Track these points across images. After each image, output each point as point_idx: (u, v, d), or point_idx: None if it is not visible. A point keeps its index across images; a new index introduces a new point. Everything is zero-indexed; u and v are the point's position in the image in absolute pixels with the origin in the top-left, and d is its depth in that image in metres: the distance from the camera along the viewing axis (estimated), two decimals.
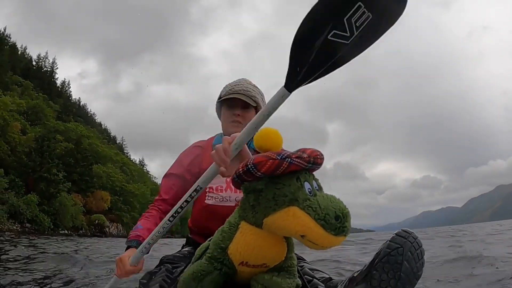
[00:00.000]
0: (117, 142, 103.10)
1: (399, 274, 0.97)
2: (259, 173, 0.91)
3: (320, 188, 0.94)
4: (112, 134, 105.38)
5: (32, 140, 39.14)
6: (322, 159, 0.96)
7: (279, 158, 0.89)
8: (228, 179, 1.54)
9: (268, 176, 0.92)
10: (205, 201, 1.60)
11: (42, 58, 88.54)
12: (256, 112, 1.69)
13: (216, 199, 1.59)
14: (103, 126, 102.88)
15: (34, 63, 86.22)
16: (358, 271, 1.09)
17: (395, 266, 0.98)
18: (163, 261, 1.46)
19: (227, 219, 1.05)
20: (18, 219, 31.72)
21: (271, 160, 0.89)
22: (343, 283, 1.15)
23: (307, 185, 0.90)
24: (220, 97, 1.77)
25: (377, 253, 1.04)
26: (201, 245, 1.10)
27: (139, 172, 79.62)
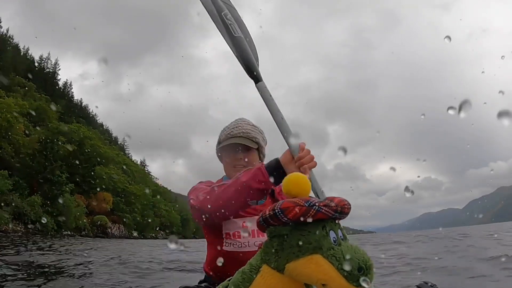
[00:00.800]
0: (119, 142, 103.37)
1: None
2: (286, 219, 0.90)
3: (345, 238, 0.94)
4: (114, 135, 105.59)
5: (35, 142, 39.49)
6: (350, 208, 0.96)
7: (306, 205, 0.89)
8: (245, 224, 1.58)
9: (294, 222, 0.92)
10: (223, 248, 1.58)
11: (44, 59, 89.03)
12: (259, 153, 1.74)
13: (235, 246, 1.57)
14: (104, 127, 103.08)
15: (36, 64, 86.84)
16: None
17: None
18: None
19: (248, 261, 1.04)
20: (22, 220, 32.08)
21: (298, 207, 0.89)
22: None
23: (332, 234, 0.91)
24: (219, 142, 1.77)
25: None
26: (220, 284, 1.09)
27: (140, 173, 79.90)
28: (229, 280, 1.06)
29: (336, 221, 0.96)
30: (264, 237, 1.39)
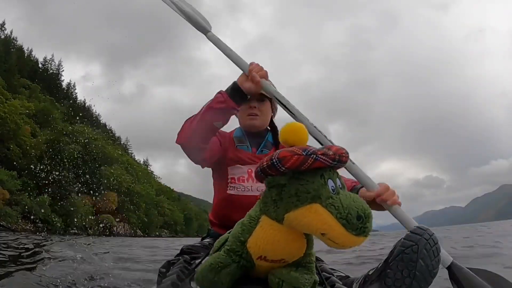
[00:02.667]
0: (122, 142, 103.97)
1: (414, 272, 0.95)
2: (283, 168, 0.89)
3: (343, 187, 0.93)
4: (117, 134, 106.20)
5: (43, 143, 40.37)
6: (347, 157, 0.95)
7: (304, 154, 0.87)
8: (250, 170, 1.61)
9: (292, 171, 0.90)
10: (227, 191, 1.59)
11: (48, 61, 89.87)
12: (271, 104, 1.79)
13: (239, 189, 1.58)
14: (107, 127, 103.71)
15: (40, 65, 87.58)
16: (373, 269, 1.08)
17: (410, 265, 0.96)
18: (183, 250, 1.47)
19: (247, 212, 1.04)
20: (31, 219, 32.97)
21: (296, 156, 0.87)
22: (358, 281, 1.13)
23: (330, 183, 0.89)
24: None
25: (391, 251, 1.02)
26: (220, 237, 1.10)
27: (143, 172, 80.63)
28: (229, 233, 1.06)
29: (335, 170, 0.95)
30: None
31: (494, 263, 3.90)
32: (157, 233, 56.81)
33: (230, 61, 1.46)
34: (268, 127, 1.82)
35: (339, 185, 0.91)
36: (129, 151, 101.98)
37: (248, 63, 1.41)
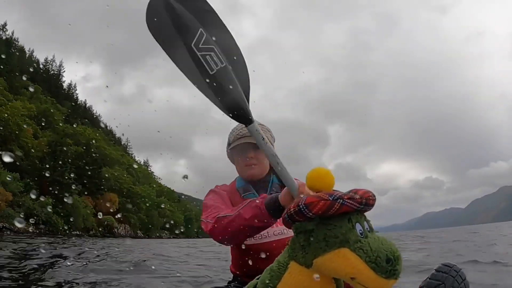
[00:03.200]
0: (122, 143, 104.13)
1: None
2: (311, 214, 0.90)
3: (371, 230, 0.93)
4: (117, 135, 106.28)
5: (45, 145, 40.66)
6: (374, 200, 0.95)
7: (331, 199, 0.88)
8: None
9: (319, 216, 0.91)
10: (244, 242, 1.56)
11: (49, 62, 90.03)
12: None
13: (256, 238, 1.56)
14: (108, 128, 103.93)
15: (41, 66, 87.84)
16: None
17: None
18: None
19: (276, 258, 1.03)
20: (33, 221, 33.27)
21: (323, 201, 0.88)
22: None
23: (358, 227, 0.90)
24: (229, 144, 1.78)
25: None
26: (249, 283, 1.09)
27: (144, 173, 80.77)
28: (258, 279, 1.06)
29: (362, 213, 0.95)
30: (282, 226, 1.46)
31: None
32: (157, 234, 57.00)
33: (277, 170, 1.21)
34: (271, 172, 1.78)
35: (367, 228, 0.92)
36: (130, 152, 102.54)
37: (296, 184, 1.18)
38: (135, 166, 77.40)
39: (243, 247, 1.56)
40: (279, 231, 1.57)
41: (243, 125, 1.62)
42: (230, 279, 1.74)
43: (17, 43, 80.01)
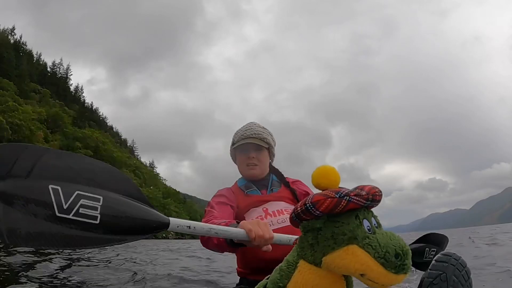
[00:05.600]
0: (128, 145, 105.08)
1: None
2: (318, 212, 0.89)
3: (379, 225, 0.92)
4: (123, 137, 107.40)
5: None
6: (381, 195, 0.94)
7: (337, 196, 0.87)
8: (265, 209, 1.64)
9: (326, 214, 0.91)
10: None
11: (57, 65, 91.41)
12: (269, 153, 1.82)
13: None
14: (114, 129, 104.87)
15: (49, 69, 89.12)
16: None
17: None
18: None
19: (285, 258, 1.02)
20: None
21: (329, 199, 0.87)
22: None
23: (366, 223, 0.89)
24: (233, 143, 1.82)
25: (420, 283, 0.98)
26: (258, 284, 1.07)
27: (150, 175, 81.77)
28: (267, 279, 1.04)
29: (369, 210, 0.95)
30: (285, 215, 1.60)
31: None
32: (164, 235, 57.86)
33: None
34: (270, 172, 1.87)
35: (374, 224, 0.91)
36: (136, 154, 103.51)
37: (243, 231, 1.22)
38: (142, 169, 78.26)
39: None
40: (282, 219, 1.61)
41: (247, 127, 1.82)
42: (238, 283, 1.71)
43: (25, 46, 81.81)
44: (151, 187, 64.64)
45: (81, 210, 0.96)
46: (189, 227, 1.16)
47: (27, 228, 0.91)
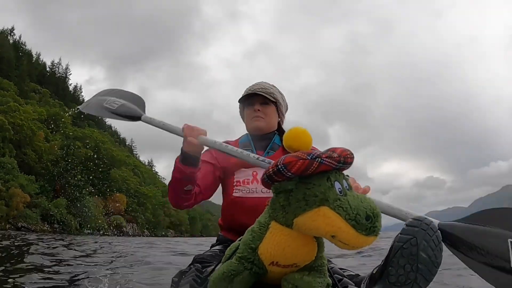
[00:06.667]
0: (127, 143, 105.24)
1: (416, 266, 0.91)
2: (289, 173, 0.89)
3: (350, 188, 0.93)
4: (122, 136, 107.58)
5: (58, 148, 42.59)
6: (352, 158, 0.94)
7: (309, 158, 0.87)
8: (255, 173, 1.63)
9: (298, 176, 0.90)
10: (233, 194, 1.61)
11: (56, 65, 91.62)
12: (277, 109, 1.78)
13: (243, 191, 1.60)
14: (113, 128, 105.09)
15: (48, 69, 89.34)
16: (376, 267, 1.05)
17: (411, 259, 0.92)
18: (195, 260, 1.45)
19: (256, 219, 1.03)
20: (48, 220, 35.21)
21: (301, 160, 0.87)
22: (365, 281, 1.10)
23: (337, 185, 0.89)
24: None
25: (390, 248, 0.97)
26: (231, 245, 1.10)
27: (149, 174, 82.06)
28: (239, 240, 1.06)
29: (340, 172, 0.95)
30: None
31: None
32: (163, 233, 58.61)
33: (167, 131, 1.56)
34: (276, 131, 1.81)
35: (346, 187, 0.91)
36: (134, 152, 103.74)
37: (180, 128, 1.46)
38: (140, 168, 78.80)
39: (232, 198, 1.62)
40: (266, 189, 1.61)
41: (256, 83, 1.82)
42: (214, 243, 1.74)
43: (24, 46, 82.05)
44: (150, 185, 65.22)
45: (112, 104, 1.86)
46: (161, 122, 1.62)
47: (92, 108, 1.97)
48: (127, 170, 58.89)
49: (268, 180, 0.95)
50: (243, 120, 1.84)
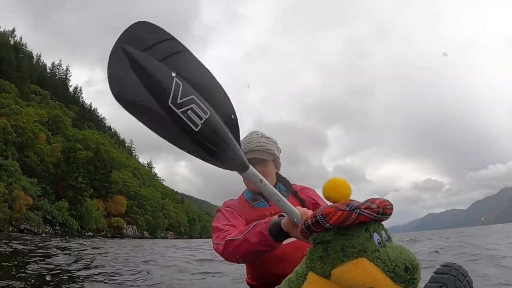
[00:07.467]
0: (126, 145, 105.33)
1: None
2: (328, 224, 0.89)
3: (389, 239, 0.92)
4: (121, 137, 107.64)
5: (59, 151, 42.95)
6: (392, 209, 0.94)
7: (348, 209, 0.88)
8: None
9: (336, 227, 0.90)
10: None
11: (56, 66, 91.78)
12: (275, 164, 1.79)
13: None
14: (112, 130, 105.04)
15: (48, 70, 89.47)
16: None
17: None
18: None
19: (294, 269, 1.02)
20: (50, 223, 35.59)
21: (340, 211, 0.88)
22: None
23: (376, 236, 0.89)
24: None
25: None
26: None
27: (148, 175, 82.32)
28: None
29: (379, 223, 0.95)
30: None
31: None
32: (162, 234, 58.83)
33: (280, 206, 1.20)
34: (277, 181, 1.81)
35: (385, 238, 0.91)
36: (134, 154, 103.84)
37: (299, 213, 1.20)
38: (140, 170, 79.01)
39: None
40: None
41: (249, 139, 1.76)
42: None
43: (25, 48, 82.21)
44: (150, 187, 65.53)
45: (189, 112, 1.05)
46: (262, 181, 1.17)
47: (136, 96, 1.01)
48: (127, 172, 59.22)
49: (306, 231, 0.97)
50: (242, 180, 1.72)
